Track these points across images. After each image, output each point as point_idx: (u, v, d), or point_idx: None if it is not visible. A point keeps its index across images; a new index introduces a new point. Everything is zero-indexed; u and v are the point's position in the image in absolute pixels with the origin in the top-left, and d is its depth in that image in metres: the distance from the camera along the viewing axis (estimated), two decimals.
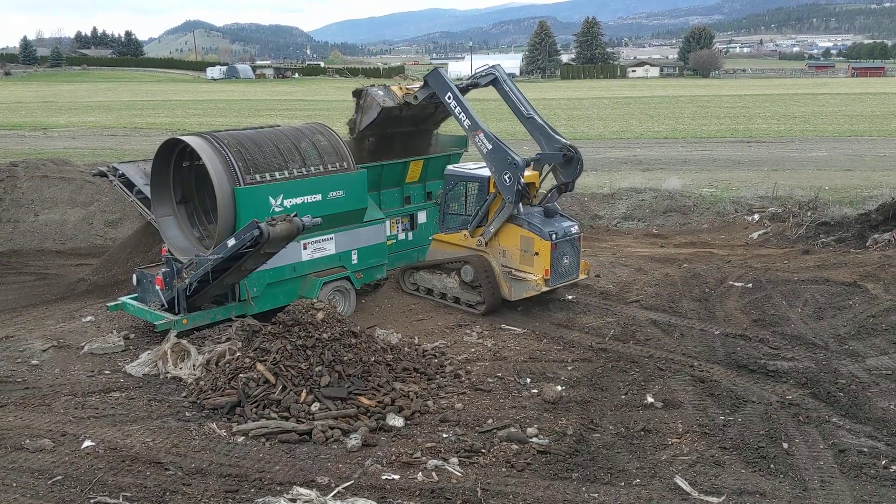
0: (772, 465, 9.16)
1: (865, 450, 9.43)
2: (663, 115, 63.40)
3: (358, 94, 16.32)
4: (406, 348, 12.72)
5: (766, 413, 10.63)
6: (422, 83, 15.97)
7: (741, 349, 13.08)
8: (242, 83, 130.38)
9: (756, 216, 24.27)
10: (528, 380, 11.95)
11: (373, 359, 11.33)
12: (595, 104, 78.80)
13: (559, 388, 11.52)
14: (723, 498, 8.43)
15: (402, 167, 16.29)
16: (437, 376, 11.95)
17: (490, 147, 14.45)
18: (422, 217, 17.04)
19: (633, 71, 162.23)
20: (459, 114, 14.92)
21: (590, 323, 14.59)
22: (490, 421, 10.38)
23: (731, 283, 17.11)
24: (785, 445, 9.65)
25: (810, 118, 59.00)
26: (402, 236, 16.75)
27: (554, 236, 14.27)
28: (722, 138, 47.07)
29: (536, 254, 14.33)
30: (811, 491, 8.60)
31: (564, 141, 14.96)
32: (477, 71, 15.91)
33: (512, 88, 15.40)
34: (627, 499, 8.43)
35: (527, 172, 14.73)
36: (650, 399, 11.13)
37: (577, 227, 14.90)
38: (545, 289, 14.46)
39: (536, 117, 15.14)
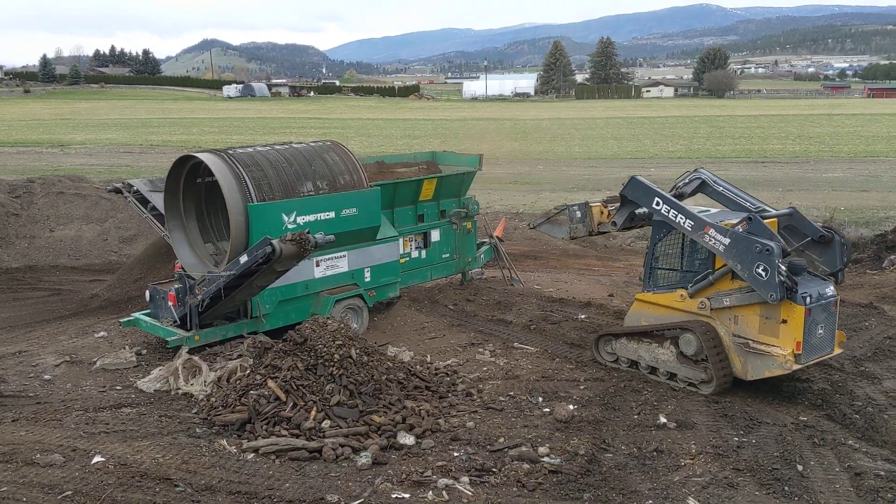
0: (786, 488, 9.03)
1: (882, 473, 9.28)
2: (678, 136, 63.31)
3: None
4: (418, 366, 12.67)
5: (781, 435, 10.49)
6: (617, 202, 13.81)
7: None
8: (258, 101, 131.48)
9: None
10: (541, 399, 11.87)
11: (384, 377, 11.30)
12: (609, 124, 78.85)
13: (571, 407, 11.43)
14: None
15: (416, 185, 16.32)
16: (449, 395, 11.89)
17: (727, 241, 11.48)
18: (435, 235, 17.04)
19: (648, 91, 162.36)
20: (676, 217, 12.19)
21: None
22: (501, 440, 10.31)
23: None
24: (800, 468, 9.51)
25: (826, 139, 58.76)
26: (415, 254, 16.74)
27: (808, 299, 11.23)
28: (736, 158, 46.93)
29: (784, 321, 11.33)
30: None
31: (816, 226, 12.64)
32: (678, 180, 14.16)
33: (726, 187, 13.64)
34: None
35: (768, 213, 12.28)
36: (663, 419, 11.03)
37: (832, 288, 11.83)
38: (796, 367, 11.36)
39: (767, 208, 13.11)
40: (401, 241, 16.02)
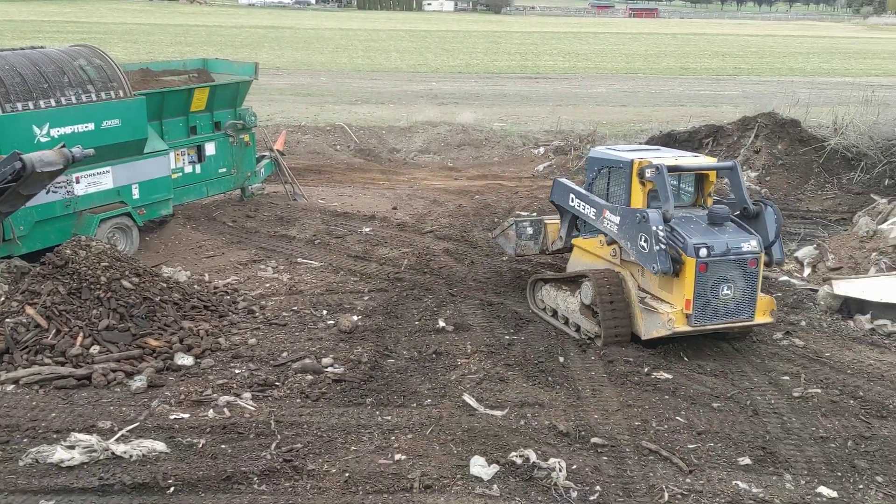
0: (550, 378, 9.87)
1: (631, 359, 10.36)
2: (458, 50, 64.47)
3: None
4: (196, 286, 12.26)
5: (546, 331, 11.40)
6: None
7: (526, 274, 13.84)
8: (4, 1, 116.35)
9: (541, 149, 25.52)
10: (325, 312, 11.97)
11: (158, 298, 10.81)
12: (392, 36, 78.50)
13: (355, 318, 11.65)
14: (506, 411, 8.99)
15: (185, 95, 15.36)
16: (230, 313, 11.65)
17: (617, 219, 10.75)
18: (210, 149, 16.22)
19: (429, 4, 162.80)
20: (584, 209, 11.61)
21: (386, 254, 14.78)
22: (285, 354, 10.33)
23: (518, 212, 17.99)
24: (561, 359, 10.42)
25: (592, 56, 62.50)
26: (188, 169, 15.86)
27: (705, 251, 10.01)
28: (512, 74, 48.76)
29: (676, 275, 10.32)
30: (584, 399, 9.38)
31: (746, 195, 10.97)
32: None
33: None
34: (419, 418, 8.77)
35: (701, 160, 11.24)
36: (442, 324, 11.56)
37: (756, 242, 10.29)
38: (684, 329, 10.20)
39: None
40: (172, 154, 15.10)
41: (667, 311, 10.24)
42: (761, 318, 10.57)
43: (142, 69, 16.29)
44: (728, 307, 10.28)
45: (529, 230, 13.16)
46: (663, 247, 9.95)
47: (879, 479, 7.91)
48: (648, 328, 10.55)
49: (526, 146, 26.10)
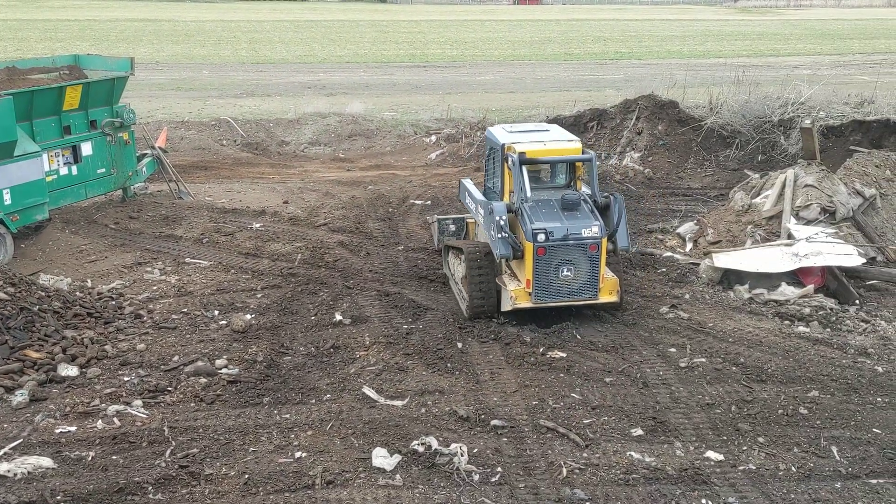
0: (449, 365, 9.96)
1: (528, 339, 10.59)
2: (344, 40, 63.73)
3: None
4: (78, 293, 11.74)
5: (444, 318, 11.47)
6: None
7: (422, 262, 13.91)
8: None
9: (433, 137, 25.61)
10: (216, 312, 11.68)
11: (37, 308, 10.28)
12: (276, 27, 76.77)
13: (248, 316, 11.42)
14: (406, 400, 9.03)
15: (57, 93, 14.60)
16: (116, 319, 11.21)
17: (482, 211, 11.55)
18: (86, 149, 15.47)
19: None
20: (472, 206, 12.68)
21: (279, 249, 14.53)
22: (176, 358, 10.03)
23: (412, 201, 18.03)
24: (459, 345, 10.53)
25: (479, 44, 62.99)
26: (64, 171, 15.09)
27: (543, 236, 10.60)
28: (401, 63, 48.61)
29: (522, 258, 10.97)
30: (483, 383, 9.52)
31: (597, 189, 11.60)
32: None
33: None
34: (319, 414, 8.70)
35: (562, 149, 11.50)
36: (339, 317, 11.46)
37: (597, 228, 10.74)
38: (526, 305, 10.86)
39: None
40: (45, 156, 14.36)
41: (510, 290, 10.96)
42: (606, 298, 11.11)
43: (7, 67, 15.45)
44: (570, 287, 10.87)
45: (452, 227, 13.90)
46: (504, 235, 10.73)
47: (761, 439, 8.37)
48: (503, 303, 11.26)
49: (418, 135, 26.13)
